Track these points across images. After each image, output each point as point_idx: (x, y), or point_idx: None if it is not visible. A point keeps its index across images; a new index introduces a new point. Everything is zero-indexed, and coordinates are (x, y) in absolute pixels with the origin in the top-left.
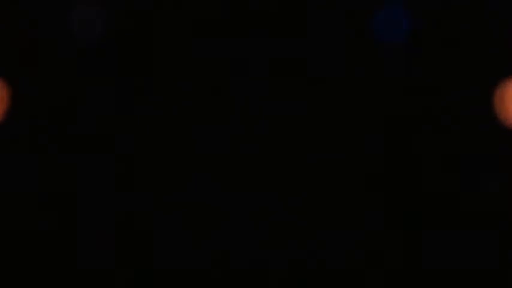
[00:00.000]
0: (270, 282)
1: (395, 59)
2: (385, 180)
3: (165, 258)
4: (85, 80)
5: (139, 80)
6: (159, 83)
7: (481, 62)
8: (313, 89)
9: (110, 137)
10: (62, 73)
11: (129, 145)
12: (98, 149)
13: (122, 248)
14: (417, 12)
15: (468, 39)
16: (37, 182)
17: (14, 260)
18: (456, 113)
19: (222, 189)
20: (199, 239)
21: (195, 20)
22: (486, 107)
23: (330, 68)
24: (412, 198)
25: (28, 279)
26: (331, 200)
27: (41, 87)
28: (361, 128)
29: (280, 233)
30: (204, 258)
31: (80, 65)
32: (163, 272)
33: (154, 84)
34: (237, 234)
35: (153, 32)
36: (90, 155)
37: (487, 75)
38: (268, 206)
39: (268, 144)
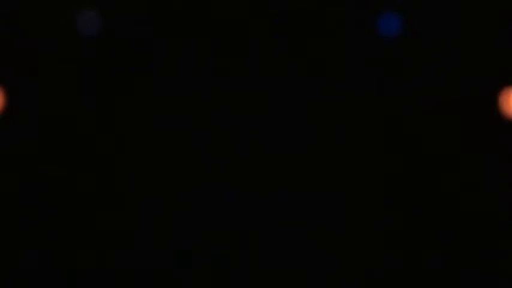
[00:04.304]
0: (271, 282)
1: (398, 55)
2: (386, 180)
3: (167, 258)
4: (84, 80)
5: (138, 80)
6: (159, 82)
7: (486, 61)
8: (313, 86)
9: (109, 136)
10: (61, 73)
11: (129, 144)
12: (98, 148)
13: (122, 248)
14: (421, 10)
15: (473, 38)
16: (35, 181)
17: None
18: (459, 111)
19: (225, 190)
20: (199, 239)
21: (195, 20)
22: (490, 105)
23: (331, 66)
24: (414, 198)
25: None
26: (332, 200)
27: (40, 88)
28: (362, 126)
29: (281, 233)
30: (210, 258)
31: (79, 65)
32: (164, 272)
33: (154, 84)
34: (237, 234)
35: (152, 32)
36: (90, 154)
37: (491, 74)
38: (273, 207)
39: (269, 144)
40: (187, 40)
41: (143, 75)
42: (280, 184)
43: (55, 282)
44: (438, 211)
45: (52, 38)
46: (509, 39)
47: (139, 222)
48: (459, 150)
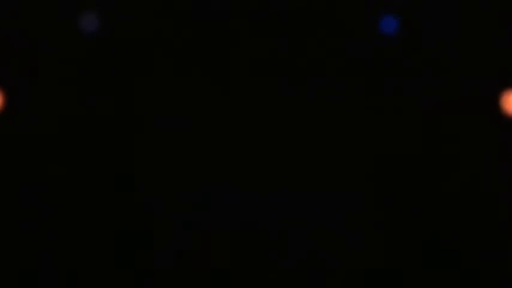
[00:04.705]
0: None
1: (398, 55)
2: (386, 180)
3: (167, 258)
4: (84, 80)
5: (138, 80)
6: (159, 82)
7: (486, 61)
8: (313, 86)
9: (109, 136)
10: (61, 73)
11: (129, 144)
12: (98, 148)
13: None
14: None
15: (473, 38)
16: (35, 181)
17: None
18: (459, 111)
19: (225, 190)
20: (199, 239)
21: (194, 20)
22: (490, 105)
23: (331, 66)
24: (414, 198)
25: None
26: (332, 200)
27: (40, 88)
28: (362, 126)
29: (281, 233)
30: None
31: (79, 65)
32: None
33: (154, 84)
34: (237, 234)
35: (152, 32)
36: (90, 154)
37: (491, 74)
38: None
39: (268, 143)
40: (187, 40)
41: (143, 75)
42: (280, 184)
43: (55, 282)
44: (438, 211)
45: (52, 38)
46: (509, 39)
47: (139, 222)
48: (459, 150)
